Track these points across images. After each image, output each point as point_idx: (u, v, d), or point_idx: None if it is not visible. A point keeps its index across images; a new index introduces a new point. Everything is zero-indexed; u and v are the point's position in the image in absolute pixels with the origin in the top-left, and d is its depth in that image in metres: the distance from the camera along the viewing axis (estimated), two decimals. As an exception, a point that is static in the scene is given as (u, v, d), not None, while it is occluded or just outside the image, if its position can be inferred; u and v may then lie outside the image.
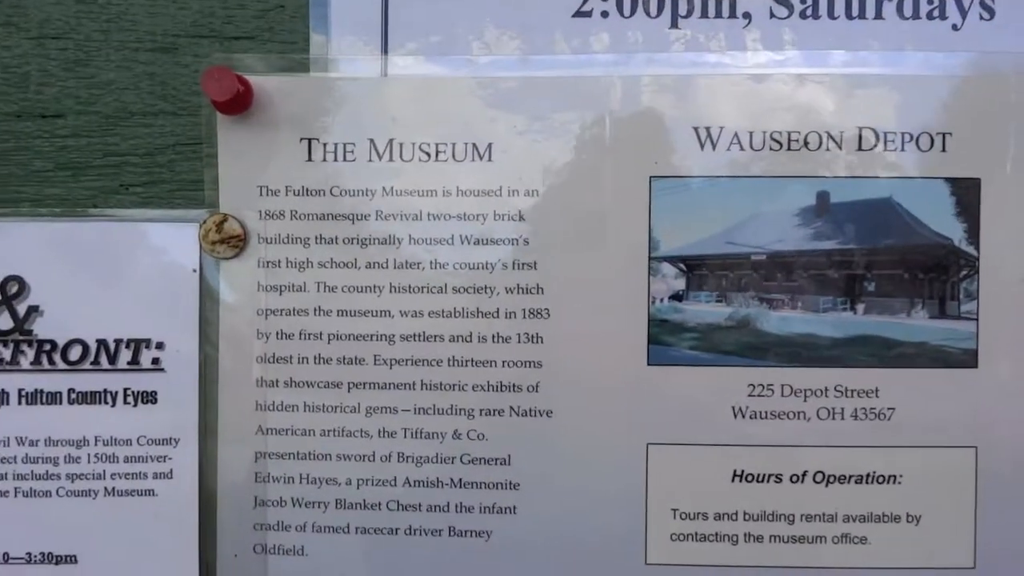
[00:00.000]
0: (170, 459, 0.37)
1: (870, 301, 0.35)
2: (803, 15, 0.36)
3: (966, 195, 0.35)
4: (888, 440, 0.35)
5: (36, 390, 0.37)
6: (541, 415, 0.36)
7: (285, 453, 0.37)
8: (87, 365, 0.37)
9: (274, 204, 0.36)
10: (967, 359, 0.35)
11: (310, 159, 0.36)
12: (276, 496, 0.37)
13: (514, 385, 0.36)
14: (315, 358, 0.36)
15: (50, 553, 0.37)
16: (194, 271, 0.37)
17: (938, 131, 0.35)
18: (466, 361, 0.36)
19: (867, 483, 0.35)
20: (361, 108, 0.36)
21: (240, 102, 0.35)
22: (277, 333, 0.37)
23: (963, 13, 0.36)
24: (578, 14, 0.36)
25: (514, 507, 0.36)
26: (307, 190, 0.36)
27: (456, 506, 0.36)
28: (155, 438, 0.37)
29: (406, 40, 0.36)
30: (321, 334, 0.36)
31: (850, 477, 0.35)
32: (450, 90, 0.36)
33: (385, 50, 0.36)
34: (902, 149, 0.35)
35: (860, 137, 0.35)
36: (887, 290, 0.35)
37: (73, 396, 0.37)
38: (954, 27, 0.36)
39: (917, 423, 0.35)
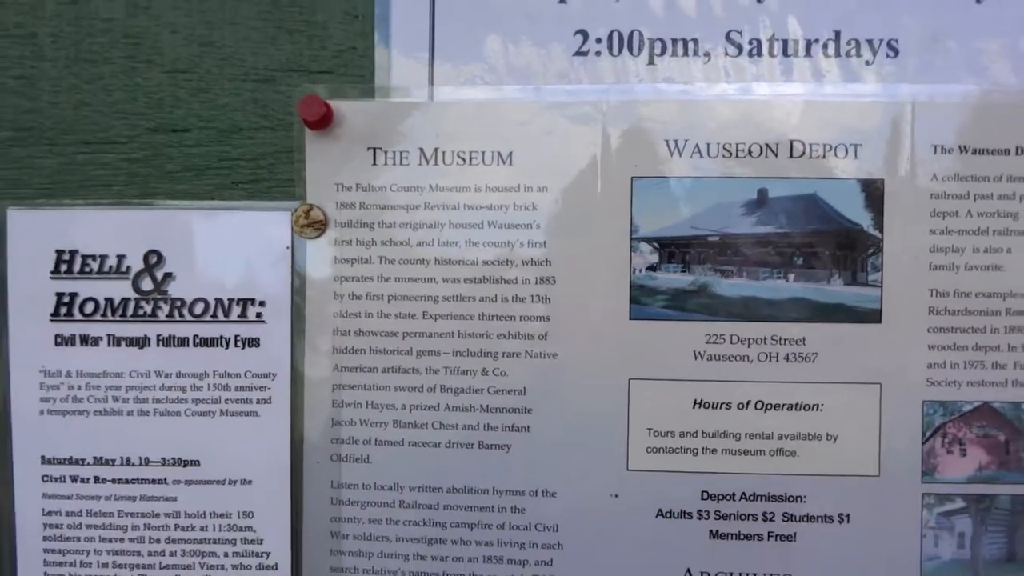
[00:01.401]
0: (269, 389, 0.48)
1: (799, 272, 0.46)
2: (750, 55, 0.47)
3: (873, 192, 0.45)
4: (812, 378, 0.46)
5: (170, 335, 0.48)
6: (549, 357, 0.47)
7: (355, 385, 0.48)
8: (208, 317, 0.48)
9: (347, 197, 0.48)
10: (873, 316, 0.46)
11: (375, 163, 0.48)
12: (348, 418, 0.48)
13: (528, 334, 0.47)
14: (378, 313, 0.48)
15: (179, 458, 0.48)
16: (287, 248, 0.48)
17: (852, 143, 0.45)
18: (492, 316, 0.47)
19: (796, 410, 0.46)
20: (413, 125, 0.47)
21: (324, 121, 0.47)
22: (349, 295, 0.48)
23: (874, 52, 0.46)
24: (578, 53, 0.47)
25: (528, 427, 0.47)
26: (372, 186, 0.48)
27: (484, 425, 0.47)
28: (258, 373, 0.48)
29: (448, 73, 0.47)
30: (382, 295, 0.48)
31: (783, 405, 0.46)
32: (481, 111, 0.47)
33: (432, 81, 0.48)
34: (824, 156, 0.46)
35: (791, 147, 0.46)
36: (812, 264, 0.46)
37: (197, 340, 0.48)
38: (867, 63, 0.46)
39: (835, 365, 0.46)
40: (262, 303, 0.48)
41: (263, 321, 0.48)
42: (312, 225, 0.48)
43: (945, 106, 0.45)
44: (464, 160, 0.47)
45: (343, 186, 0.48)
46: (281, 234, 0.48)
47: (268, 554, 0.48)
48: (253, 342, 0.48)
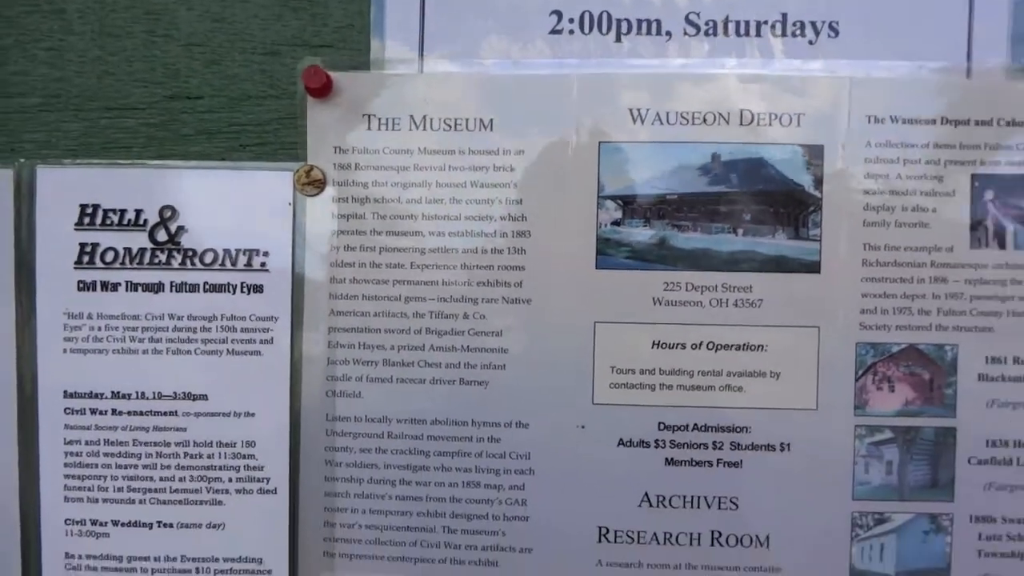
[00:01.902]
0: (271, 331, 0.53)
1: (747, 227, 0.51)
2: (706, 33, 0.52)
3: (813, 156, 0.51)
4: (758, 321, 0.51)
5: (182, 282, 0.53)
6: (524, 303, 0.52)
7: (349, 328, 0.53)
8: (216, 266, 0.53)
9: (345, 159, 0.53)
10: (813, 267, 0.51)
11: (369, 129, 0.53)
12: (342, 357, 0.53)
13: (505, 282, 0.52)
14: (370, 264, 0.53)
15: (189, 392, 0.53)
16: (289, 204, 0.53)
17: (795, 113, 0.51)
18: (473, 265, 0.52)
19: (743, 350, 0.51)
20: (404, 94, 0.53)
21: (324, 90, 0.52)
22: (344, 247, 0.53)
23: (816, 32, 0.52)
24: (553, 32, 0.53)
25: (504, 364, 0.52)
26: (367, 149, 0.53)
27: (464, 364, 0.52)
28: (261, 316, 0.53)
29: (436, 47, 0.53)
30: (375, 247, 0.53)
31: (731, 346, 0.51)
32: (466, 83, 0.52)
33: (422, 54, 0.53)
34: (770, 124, 0.51)
35: (742, 116, 0.51)
36: (759, 220, 0.51)
37: (207, 287, 0.53)
38: (810, 42, 0.52)
39: (778, 310, 0.51)
40: (266, 253, 0.53)
41: (267, 270, 0.53)
42: (312, 184, 0.53)
43: (879, 81, 0.51)
44: (450, 126, 0.53)
45: (340, 149, 0.53)
46: (284, 192, 0.53)
47: (268, 479, 0.54)
48: (257, 288, 0.53)
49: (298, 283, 0.53)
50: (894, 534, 0.51)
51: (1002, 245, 0.51)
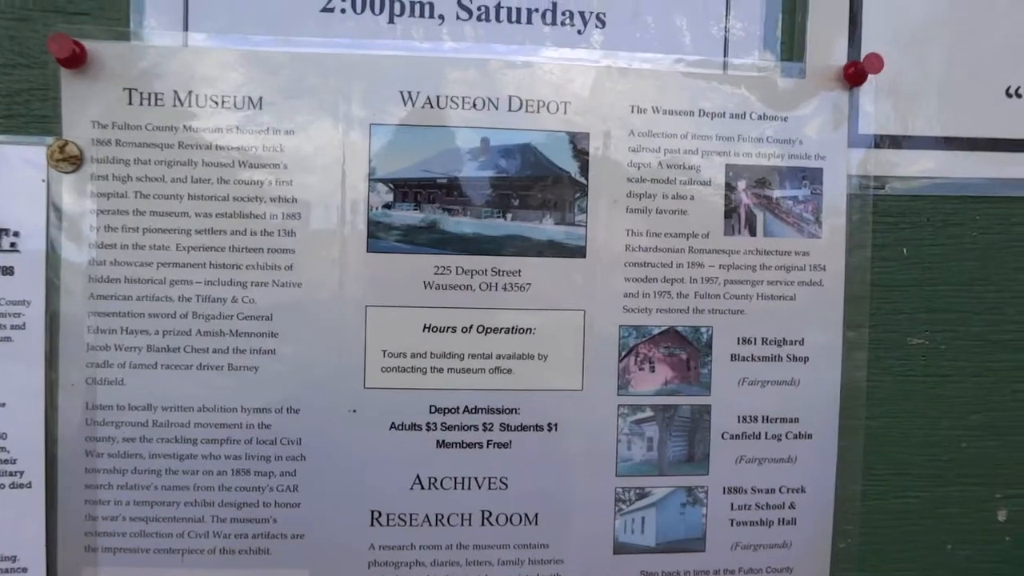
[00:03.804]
0: (23, 316, 0.50)
1: (515, 212, 0.52)
2: (479, 19, 0.53)
3: (579, 143, 0.52)
4: (526, 305, 0.52)
5: (-79, 263, 0.50)
6: (294, 286, 0.51)
7: (110, 312, 0.51)
8: (-40, 246, 0.50)
9: (103, 134, 0.50)
10: (579, 251, 0.53)
11: (130, 103, 0.50)
12: (103, 343, 0.51)
13: (275, 265, 0.51)
14: (133, 245, 0.51)
15: (-70, 382, 0.50)
16: (43, 181, 0.50)
17: (562, 100, 0.52)
18: (241, 248, 0.51)
19: (512, 333, 0.52)
20: (168, 69, 0.50)
21: (76, 60, 0.49)
22: (105, 227, 0.51)
23: (585, 22, 0.53)
24: (324, 10, 0.52)
25: (274, 349, 0.51)
26: (128, 125, 0.50)
27: (233, 349, 0.51)
28: (12, 300, 0.50)
29: (202, 21, 0.51)
30: (138, 228, 0.51)
31: (501, 329, 0.52)
32: (233, 59, 0.51)
33: (186, 28, 0.51)
34: (538, 111, 0.52)
35: (511, 101, 0.52)
36: (527, 205, 0.52)
37: (-51, 268, 0.50)
38: (579, 32, 0.53)
39: (546, 294, 0.52)
40: (16, 233, 0.50)
41: (17, 251, 0.50)
42: (67, 160, 0.50)
43: (643, 72, 0.53)
44: (217, 103, 0.51)
45: (99, 124, 0.50)
46: (36, 168, 0.50)
47: (22, 473, 0.51)
48: (7, 271, 0.50)
49: (53, 265, 0.51)
50: (654, 507, 0.54)
51: (753, 232, 0.54)
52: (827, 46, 0.54)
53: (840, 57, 0.54)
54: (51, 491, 0.51)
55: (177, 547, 0.52)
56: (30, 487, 0.51)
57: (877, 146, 0.55)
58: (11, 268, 0.50)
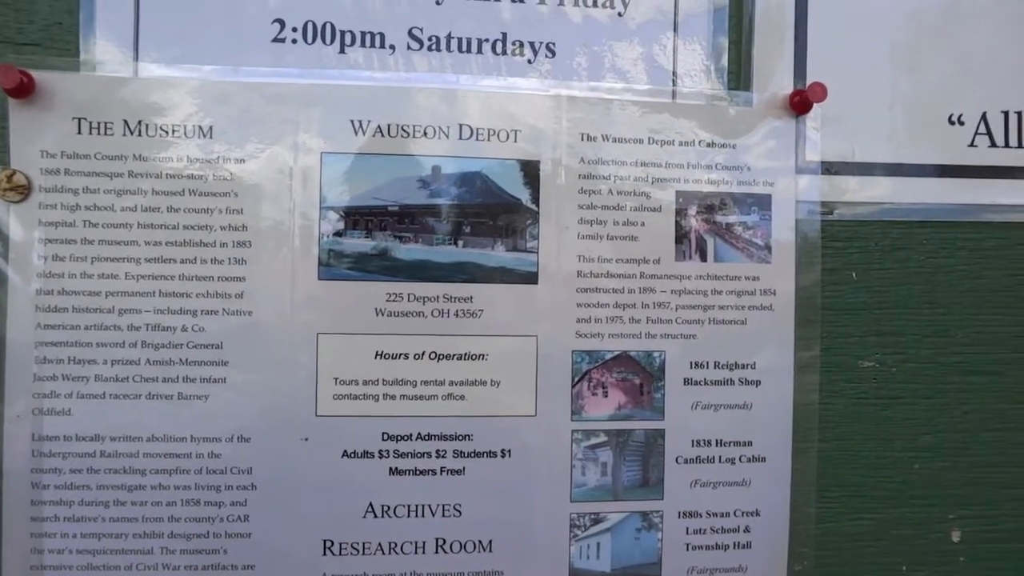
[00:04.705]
0: (-32, 346, 0.50)
1: (467, 239, 0.53)
2: (430, 48, 0.53)
3: (530, 171, 0.53)
4: (478, 331, 0.53)
5: None
6: (245, 314, 0.51)
7: (57, 342, 0.50)
8: (-96, 277, 0.50)
9: (52, 164, 0.50)
10: (531, 278, 0.53)
11: (79, 132, 0.50)
12: (50, 373, 0.50)
13: (225, 293, 0.51)
14: (81, 274, 0.50)
15: None
16: (-10, 211, 0.50)
17: (513, 128, 0.53)
18: (191, 276, 0.51)
19: (464, 360, 0.53)
20: (117, 98, 0.51)
21: (24, 90, 0.49)
22: (52, 256, 0.50)
23: (535, 52, 0.54)
24: (276, 40, 0.52)
25: (224, 378, 0.51)
26: (77, 154, 0.50)
27: (183, 378, 0.51)
28: (-43, 330, 0.50)
29: (152, 51, 0.51)
30: (86, 257, 0.50)
31: (453, 355, 0.52)
32: (183, 88, 0.51)
33: (137, 58, 0.51)
34: (488, 139, 0.53)
35: (461, 130, 0.53)
36: (479, 232, 0.53)
37: None
38: (529, 61, 0.54)
39: (498, 320, 0.53)
40: (-39, 263, 0.50)
41: (-37, 280, 0.50)
42: (15, 189, 0.50)
43: (592, 100, 0.54)
44: (167, 132, 0.51)
45: (48, 153, 0.50)
46: (-16, 197, 0.50)
47: (-35, 506, 0.50)
48: (-48, 301, 0.50)
49: None
50: (609, 533, 0.54)
51: (704, 258, 0.54)
52: (773, 75, 0.55)
53: (786, 86, 0.55)
54: (-4, 524, 0.50)
55: (125, 580, 0.51)
56: (-26, 521, 0.50)
57: (825, 172, 0.56)
58: (-43, 298, 0.50)
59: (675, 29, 0.55)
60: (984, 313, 0.58)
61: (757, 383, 0.55)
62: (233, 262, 0.51)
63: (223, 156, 0.51)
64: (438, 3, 0.53)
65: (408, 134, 0.52)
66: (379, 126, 0.52)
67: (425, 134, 0.52)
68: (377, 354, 0.52)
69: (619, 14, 0.54)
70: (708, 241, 0.54)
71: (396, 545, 0.52)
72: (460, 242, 0.52)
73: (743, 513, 0.55)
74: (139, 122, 0.51)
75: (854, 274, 0.57)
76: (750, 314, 0.55)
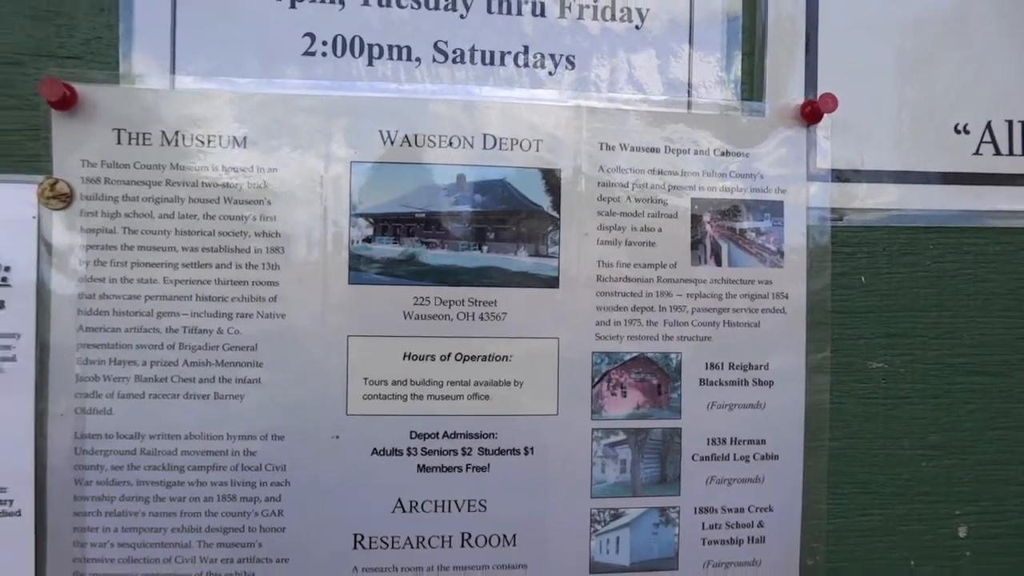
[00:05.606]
0: (13, 348, 0.52)
1: (491, 244, 0.55)
2: (454, 61, 0.55)
3: (551, 179, 0.55)
4: (502, 333, 0.55)
5: (-87, 299, 0.51)
6: (278, 317, 0.53)
7: (99, 344, 0.52)
8: (-48, 282, 0.52)
9: (93, 172, 0.52)
10: (552, 282, 0.55)
11: (119, 143, 0.53)
12: (91, 374, 0.52)
13: (260, 297, 0.53)
14: (121, 279, 0.52)
15: (-78, 414, 0.51)
16: (34, 218, 0.52)
17: (535, 138, 0.55)
18: (227, 281, 0.53)
19: (489, 361, 0.55)
20: (155, 110, 0.53)
21: (67, 102, 0.51)
22: (94, 261, 0.52)
23: (555, 64, 0.56)
24: (306, 53, 0.54)
25: (259, 379, 0.53)
26: (117, 163, 0.52)
27: (219, 378, 0.53)
28: (3, 333, 0.52)
29: (188, 64, 0.53)
30: (126, 262, 0.52)
31: (478, 357, 0.55)
32: (218, 100, 0.53)
33: (173, 71, 0.53)
34: (511, 149, 0.55)
35: (485, 140, 0.55)
36: (502, 238, 0.55)
37: (-59, 303, 0.52)
38: (550, 73, 0.56)
39: (521, 323, 0.55)
40: (7, 268, 0.52)
41: (8, 285, 0.52)
42: (58, 197, 0.52)
43: (610, 111, 0.55)
44: (203, 142, 0.53)
45: (88, 162, 0.52)
46: (28, 205, 0.52)
47: (11, 502, 0.52)
48: (-1, 305, 0.52)
49: (44, 299, 0.52)
50: (628, 528, 0.56)
51: (718, 262, 0.56)
52: (785, 86, 0.57)
53: (797, 96, 0.57)
54: (40, 519, 0.52)
55: (164, 572, 0.53)
56: (19, 515, 0.52)
57: (835, 180, 0.57)
58: (2, 302, 0.52)
59: (690, 42, 0.56)
60: (989, 316, 0.60)
61: (770, 384, 0.57)
62: (267, 267, 0.53)
63: (256, 165, 0.53)
64: (462, 17, 0.55)
65: (434, 144, 0.54)
66: (406, 136, 0.54)
67: (450, 144, 0.54)
68: (405, 355, 0.54)
69: (636, 27, 0.56)
70: (723, 246, 0.56)
71: (424, 539, 0.54)
72: (484, 248, 0.54)
73: (757, 509, 0.57)
74: (176, 133, 0.53)
75: (863, 278, 0.59)
76: (763, 317, 0.57)
